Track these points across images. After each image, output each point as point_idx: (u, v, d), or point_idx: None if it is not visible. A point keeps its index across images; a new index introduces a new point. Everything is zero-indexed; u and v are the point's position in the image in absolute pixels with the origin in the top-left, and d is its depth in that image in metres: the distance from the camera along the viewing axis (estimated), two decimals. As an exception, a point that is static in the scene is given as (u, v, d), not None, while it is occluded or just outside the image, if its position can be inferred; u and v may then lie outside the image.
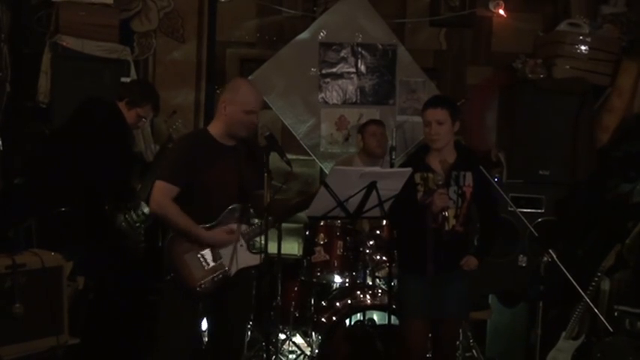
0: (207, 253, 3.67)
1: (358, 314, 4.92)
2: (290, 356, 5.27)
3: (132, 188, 4.78)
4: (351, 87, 6.20)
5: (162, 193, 3.63)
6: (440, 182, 3.87)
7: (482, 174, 4.04)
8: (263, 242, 3.71)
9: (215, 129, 3.76)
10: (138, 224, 4.77)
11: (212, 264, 3.67)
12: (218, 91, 5.63)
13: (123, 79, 5.31)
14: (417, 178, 3.91)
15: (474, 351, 5.15)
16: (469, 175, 3.98)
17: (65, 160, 4.48)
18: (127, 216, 4.70)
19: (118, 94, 4.70)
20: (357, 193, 3.67)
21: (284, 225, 5.16)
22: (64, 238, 4.40)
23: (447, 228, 3.93)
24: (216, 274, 3.66)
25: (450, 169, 3.94)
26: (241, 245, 3.74)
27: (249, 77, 6.02)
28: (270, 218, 3.71)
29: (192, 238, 3.64)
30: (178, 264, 3.62)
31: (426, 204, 3.87)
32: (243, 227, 3.75)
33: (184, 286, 3.63)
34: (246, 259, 3.76)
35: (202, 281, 3.63)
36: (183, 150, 3.73)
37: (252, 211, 3.92)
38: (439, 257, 3.92)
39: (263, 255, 3.79)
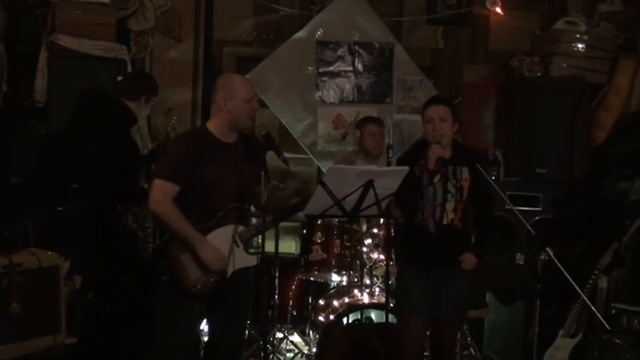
0: None
1: (356, 313, 4.92)
2: (287, 355, 5.28)
3: (142, 188, 4.74)
4: (348, 85, 6.19)
5: (163, 192, 3.56)
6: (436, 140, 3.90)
7: (479, 170, 4.04)
8: (260, 241, 3.70)
9: (214, 126, 3.71)
10: (147, 224, 4.76)
11: None
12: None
13: (120, 79, 5.30)
14: (417, 171, 3.90)
15: (471, 349, 5.16)
16: (465, 170, 3.99)
17: (70, 159, 4.47)
18: (137, 216, 4.69)
19: (125, 93, 4.68)
20: (354, 191, 3.67)
21: (281, 224, 5.19)
22: (61, 238, 4.40)
23: (445, 222, 3.94)
24: (212, 275, 3.61)
25: (447, 162, 3.94)
26: (238, 246, 3.70)
27: (246, 76, 6.01)
28: (268, 217, 3.68)
29: (188, 243, 3.56)
30: (174, 265, 3.57)
31: (422, 165, 3.87)
32: (241, 228, 3.71)
33: (180, 287, 3.58)
34: (243, 259, 3.71)
35: (198, 282, 3.59)
36: (184, 147, 3.66)
37: (252, 209, 3.89)
38: (439, 251, 3.92)
39: (260, 255, 3.77)
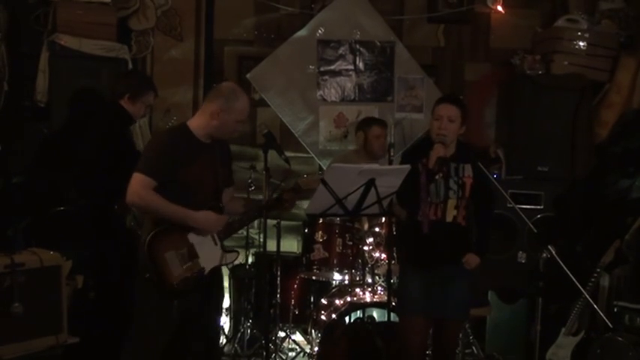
0: (185, 252, 3.63)
1: (358, 312, 4.93)
2: (290, 354, 5.29)
3: None
4: (349, 84, 6.19)
5: (142, 185, 3.56)
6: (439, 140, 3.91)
7: (481, 168, 4.04)
8: (261, 240, 3.70)
9: (196, 127, 3.70)
10: None
11: (189, 263, 3.64)
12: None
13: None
14: (420, 167, 3.90)
15: (473, 348, 5.16)
16: (468, 167, 3.98)
17: (70, 160, 4.47)
18: (135, 216, 4.69)
19: (115, 92, 4.67)
20: (356, 190, 3.67)
21: (283, 222, 5.20)
22: (63, 238, 4.40)
23: (447, 219, 3.93)
24: (192, 272, 3.64)
25: (449, 160, 3.94)
26: (216, 244, 3.74)
27: (247, 75, 6.03)
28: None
29: (182, 222, 3.61)
30: (158, 262, 3.57)
31: (424, 164, 3.87)
32: None
33: (161, 285, 3.59)
34: (221, 258, 3.76)
35: (179, 279, 3.60)
36: (165, 144, 3.66)
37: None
38: (437, 250, 3.91)
39: (237, 254, 3.85)
